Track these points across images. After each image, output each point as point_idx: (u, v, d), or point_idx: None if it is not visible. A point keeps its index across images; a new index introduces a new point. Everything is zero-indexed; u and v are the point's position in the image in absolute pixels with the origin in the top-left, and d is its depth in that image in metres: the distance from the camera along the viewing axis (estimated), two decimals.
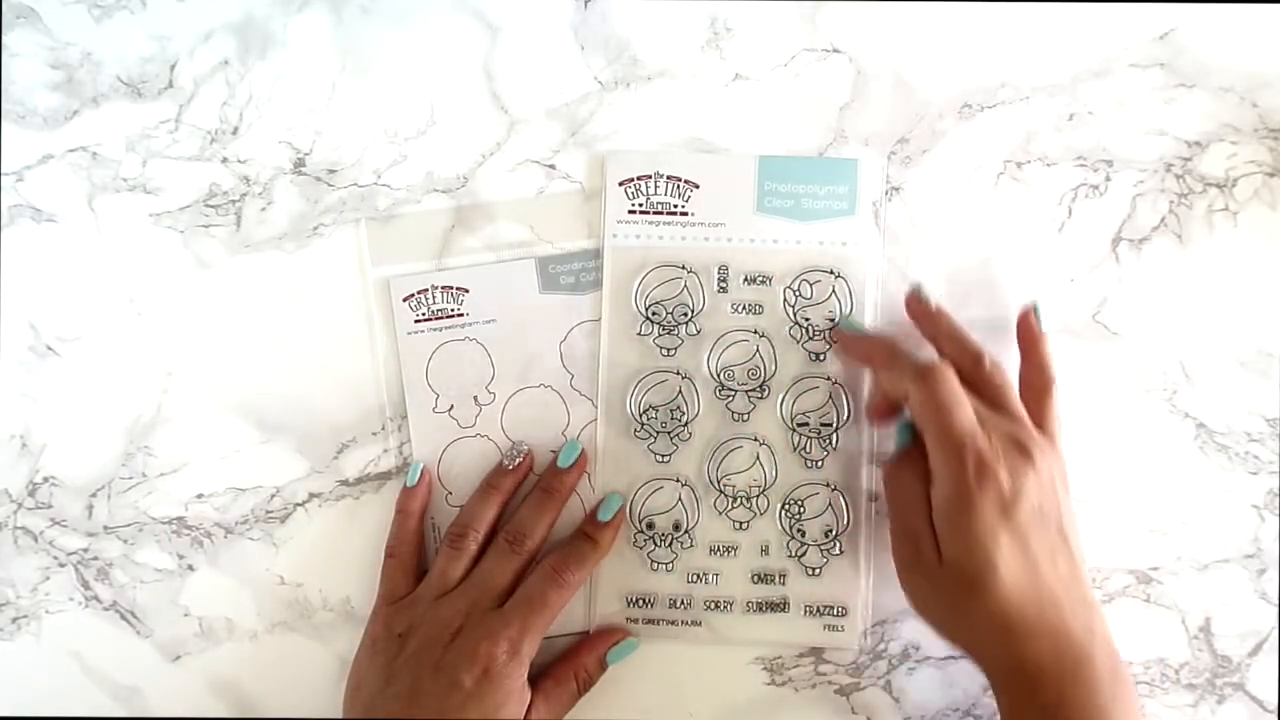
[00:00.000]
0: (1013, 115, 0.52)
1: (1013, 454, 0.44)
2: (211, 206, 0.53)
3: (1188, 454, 0.52)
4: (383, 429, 0.52)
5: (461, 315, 0.52)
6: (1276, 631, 0.51)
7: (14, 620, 0.53)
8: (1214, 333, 0.52)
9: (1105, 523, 0.52)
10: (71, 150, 0.53)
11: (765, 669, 0.52)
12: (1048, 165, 0.52)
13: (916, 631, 0.52)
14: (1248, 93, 0.52)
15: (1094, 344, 0.52)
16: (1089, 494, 0.52)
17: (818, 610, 0.51)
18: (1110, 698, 0.43)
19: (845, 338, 0.51)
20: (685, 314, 0.52)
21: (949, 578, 0.44)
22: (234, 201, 0.53)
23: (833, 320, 0.51)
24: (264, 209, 0.53)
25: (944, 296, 0.52)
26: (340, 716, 0.49)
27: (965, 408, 0.45)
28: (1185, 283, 0.52)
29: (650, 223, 0.52)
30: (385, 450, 0.53)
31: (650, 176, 0.52)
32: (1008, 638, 0.44)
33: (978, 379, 0.47)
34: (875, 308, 0.52)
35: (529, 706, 0.48)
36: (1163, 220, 0.52)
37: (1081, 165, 0.52)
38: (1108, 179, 0.52)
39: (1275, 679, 0.51)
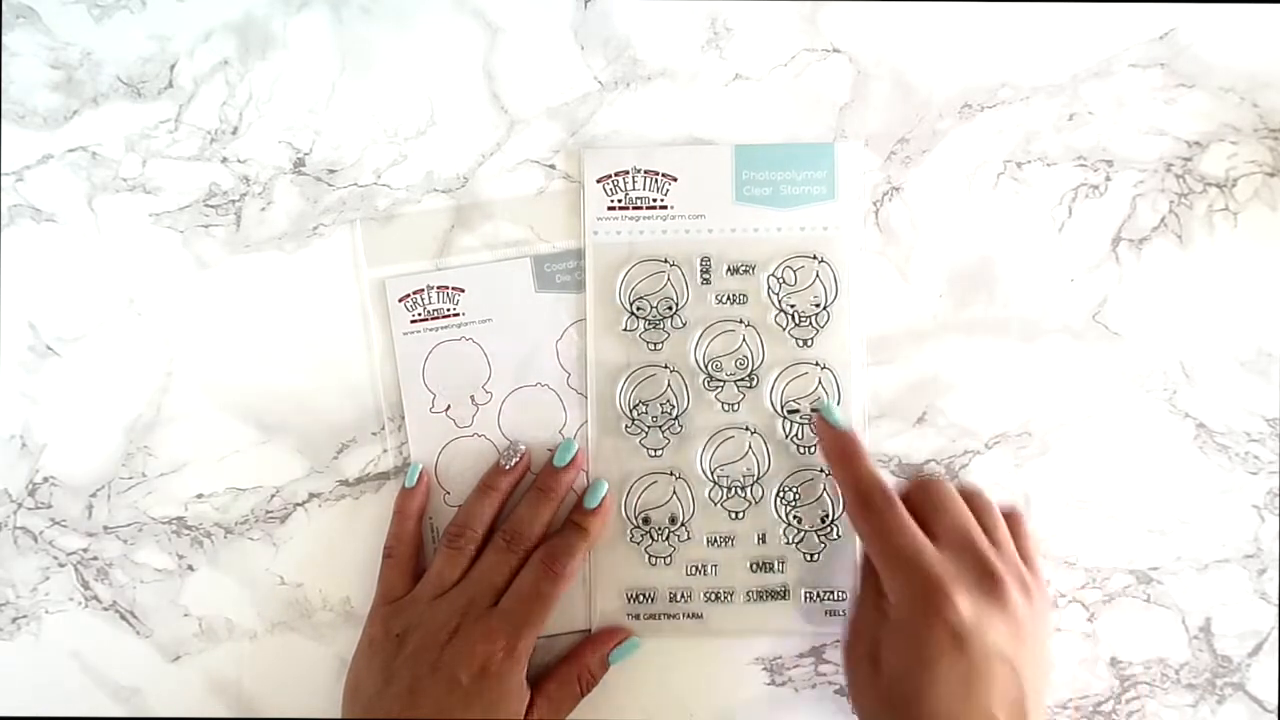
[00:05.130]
0: (1013, 115, 0.52)
1: (983, 582, 0.44)
2: (211, 206, 0.53)
3: (1188, 454, 0.52)
4: (382, 429, 0.52)
5: (457, 315, 0.52)
6: (1276, 631, 0.51)
7: (14, 620, 0.53)
8: (1214, 333, 0.52)
9: (1105, 523, 0.52)
10: (71, 150, 0.53)
11: (765, 669, 0.52)
12: (1048, 165, 0.52)
13: None
14: (1248, 93, 0.52)
15: (1094, 344, 0.52)
16: (1089, 494, 0.52)
17: (818, 596, 0.52)
18: None
19: (816, 422, 0.50)
20: (670, 307, 0.52)
21: (884, 690, 0.44)
22: (234, 201, 0.53)
23: (818, 305, 0.52)
24: (264, 209, 0.53)
25: (944, 296, 0.52)
26: (339, 717, 0.49)
27: (906, 534, 0.45)
28: (1185, 283, 0.52)
29: (630, 218, 0.52)
30: (385, 450, 0.53)
31: (628, 172, 0.52)
32: None
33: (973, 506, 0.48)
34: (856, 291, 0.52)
35: (531, 706, 0.48)
36: (1163, 220, 0.52)
37: (1081, 165, 0.52)
38: (1108, 179, 0.52)
39: (1275, 679, 0.51)
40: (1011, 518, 0.49)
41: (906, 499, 0.47)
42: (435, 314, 0.52)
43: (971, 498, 0.48)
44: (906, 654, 0.43)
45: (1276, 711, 0.51)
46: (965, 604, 0.43)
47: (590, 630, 0.52)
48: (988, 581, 0.44)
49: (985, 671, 0.42)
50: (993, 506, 0.48)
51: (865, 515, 0.46)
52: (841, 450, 0.48)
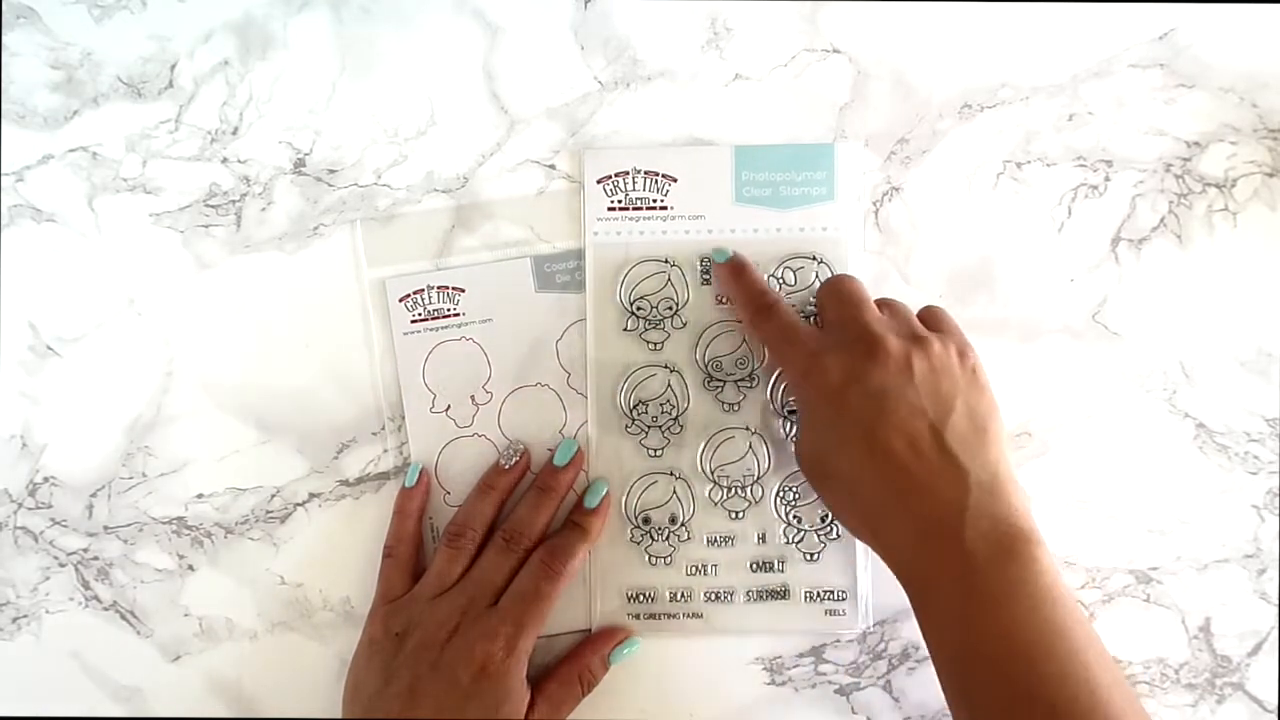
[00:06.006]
0: (1013, 115, 0.52)
1: (858, 344, 0.45)
2: (211, 206, 0.53)
3: (1188, 454, 0.52)
4: (382, 429, 0.52)
5: (457, 315, 0.52)
6: (1276, 631, 0.51)
7: (14, 620, 0.53)
8: (1214, 333, 0.52)
9: (1105, 523, 0.52)
10: (71, 150, 0.53)
11: (765, 669, 0.52)
12: (1048, 165, 0.52)
13: (917, 631, 0.52)
14: (1248, 93, 0.52)
15: (1094, 344, 0.52)
16: (1089, 494, 0.52)
17: (818, 595, 0.52)
18: (987, 570, 0.42)
19: (713, 267, 0.52)
20: (670, 307, 0.52)
21: (807, 465, 0.47)
22: (234, 201, 0.53)
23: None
24: (264, 209, 0.53)
25: (944, 296, 0.52)
26: (339, 717, 0.49)
27: (785, 326, 0.47)
28: (1185, 283, 0.52)
29: (630, 219, 0.52)
30: (385, 450, 0.53)
31: (628, 173, 0.52)
32: (866, 533, 0.46)
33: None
34: None
35: (531, 706, 0.48)
36: (1162, 220, 0.52)
37: (1081, 165, 0.52)
38: (1107, 179, 0.52)
39: (1275, 679, 0.51)
40: (930, 306, 0.49)
41: (819, 295, 0.49)
42: (435, 314, 0.52)
43: (882, 300, 0.49)
44: (807, 428, 0.47)
45: (1276, 712, 0.51)
46: (835, 365, 0.45)
47: (590, 630, 0.52)
48: (862, 342, 0.45)
49: (875, 409, 0.44)
50: (895, 300, 0.49)
51: (755, 322, 0.49)
52: (729, 272, 0.51)
